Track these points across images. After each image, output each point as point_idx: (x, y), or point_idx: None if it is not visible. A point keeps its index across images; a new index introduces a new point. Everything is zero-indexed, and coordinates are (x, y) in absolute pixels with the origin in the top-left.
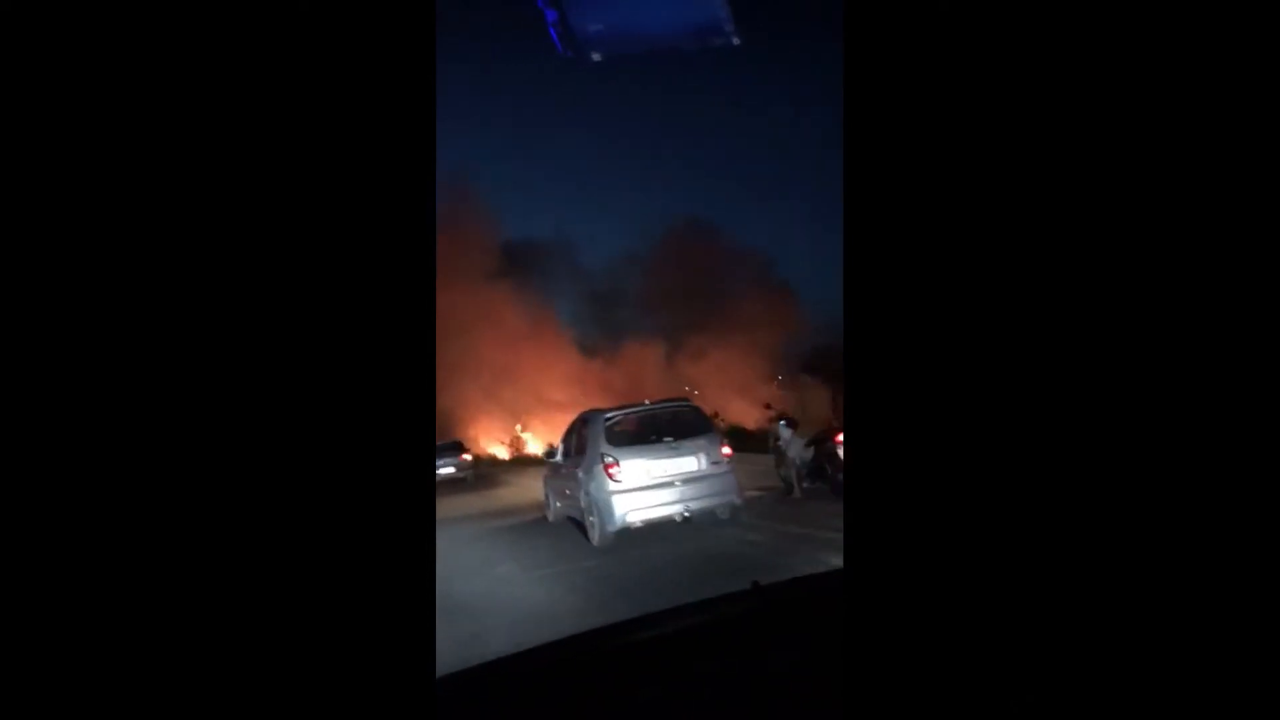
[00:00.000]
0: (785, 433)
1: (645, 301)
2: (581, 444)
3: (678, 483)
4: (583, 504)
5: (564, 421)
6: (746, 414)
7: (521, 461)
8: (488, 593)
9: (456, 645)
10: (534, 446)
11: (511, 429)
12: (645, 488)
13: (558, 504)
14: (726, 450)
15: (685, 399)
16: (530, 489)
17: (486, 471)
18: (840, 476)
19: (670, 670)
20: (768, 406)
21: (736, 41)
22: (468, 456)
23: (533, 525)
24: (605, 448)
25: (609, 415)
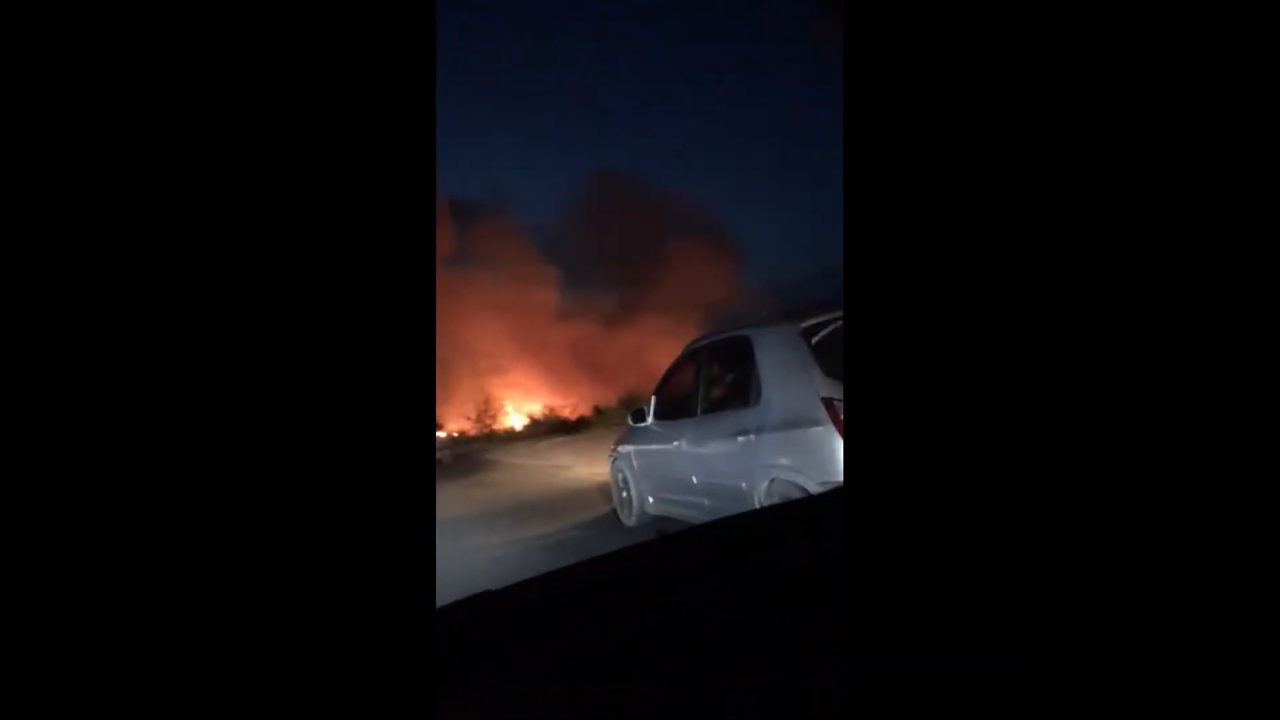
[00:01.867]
0: None
1: (584, 261)
2: (734, 383)
3: None
4: (761, 493)
5: (529, 392)
6: None
7: (494, 438)
8: None
9: None
10: (510, 419)
11: (472, 401)
12: None
13: (650, 499)
14: None
15: None
16: (531, 471)
17: (463, 450)
18: None
19: (570, 623)
20: None
21: None
22: (442, 434)
23: (605, 537)
24: (824, 383)
25: (808, 323)
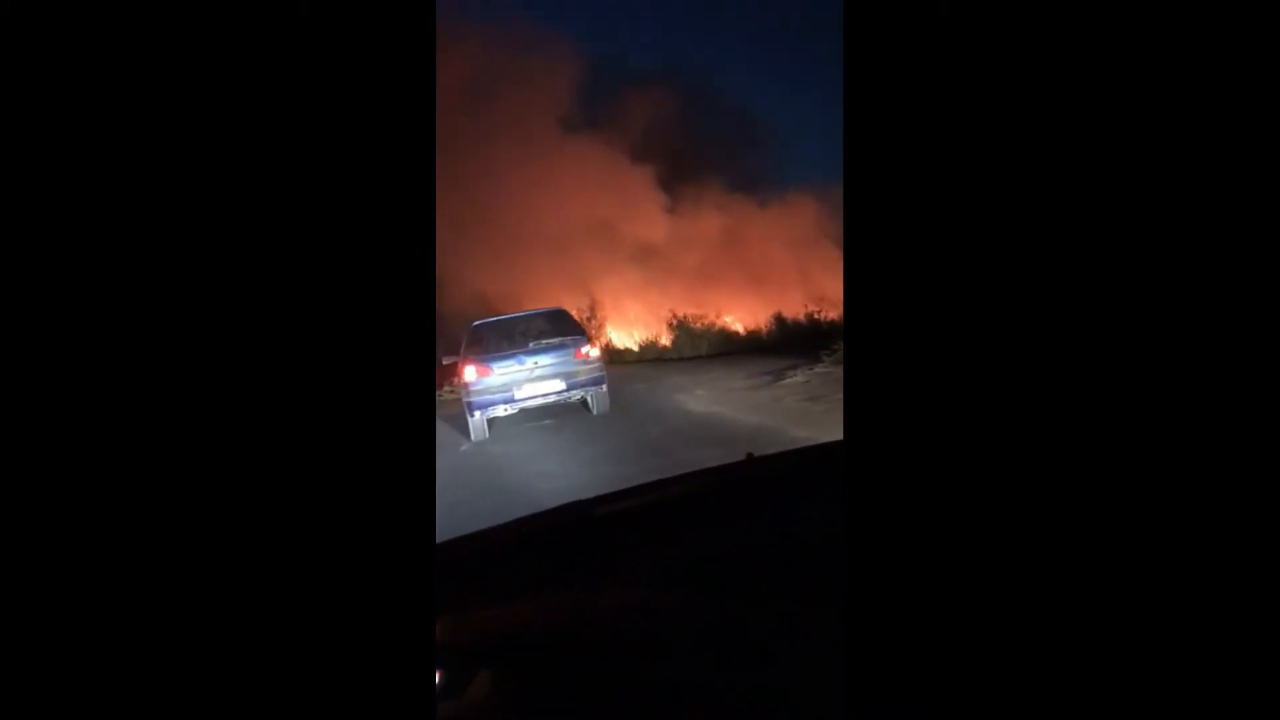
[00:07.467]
0: None
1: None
2: None
3: None
4: None
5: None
6: None
7: (622, 357)
8: None
9: None
10: (620, 339)
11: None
12: None
13: None
14: None
15: None
16: None
17: (619, 382)
18: None
19: (665, 535)
20: None
21: None
22: (592, 350)
23: None
24: None
25: None
